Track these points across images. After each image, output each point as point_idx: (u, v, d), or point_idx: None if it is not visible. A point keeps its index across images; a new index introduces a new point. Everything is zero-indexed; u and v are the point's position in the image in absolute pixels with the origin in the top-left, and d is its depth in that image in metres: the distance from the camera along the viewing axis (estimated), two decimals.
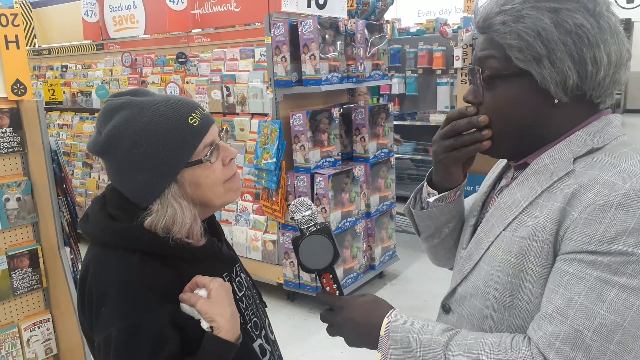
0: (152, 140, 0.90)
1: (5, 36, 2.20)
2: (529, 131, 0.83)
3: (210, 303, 0.89)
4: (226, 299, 0.92)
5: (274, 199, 3.48)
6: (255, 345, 1.03)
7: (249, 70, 3.78)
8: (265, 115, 3.59)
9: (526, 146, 0.85)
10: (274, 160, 3.38)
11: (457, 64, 5.39)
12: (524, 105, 0.82)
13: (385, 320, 0.86)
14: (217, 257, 1.02)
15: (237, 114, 3.80)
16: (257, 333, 1.04)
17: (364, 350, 0.93)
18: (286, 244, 3.52)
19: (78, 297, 0.94)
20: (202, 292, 0.90)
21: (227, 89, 3.80)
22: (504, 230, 0.82)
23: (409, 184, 5.14)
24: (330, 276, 0.97)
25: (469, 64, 0.87)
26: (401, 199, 4.78)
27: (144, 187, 0.92)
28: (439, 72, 5.85)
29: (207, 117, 0.97)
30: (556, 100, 0.79)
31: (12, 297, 2.30)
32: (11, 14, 2.20)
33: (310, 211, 0.98)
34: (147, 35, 4.40)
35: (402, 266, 4.21)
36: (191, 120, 0.92)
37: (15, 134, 2.30)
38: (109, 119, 0.92)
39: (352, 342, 0.93)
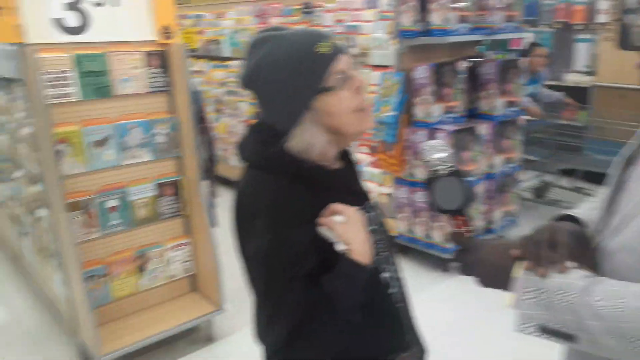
0: (286, 71, 0.97)
1: None
2: None
3: (346, 227, 0.96)
4: (360, 225, 0.98)
5: (391, 152, 3.48)
6: (384, 276, 1.08)
7: (372, 21, 3.73)
8: (387, 67, 3.55)
9: None
10: (394, 113, 3.36)
11: (601, 18, 4.82)
12: None
13: (521, 261, 0.85)
14: (351, 190, 1.09)
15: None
16: (386, 266, 1.10)
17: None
18: (401, 197, 3.54)
19: (234, 211, 1.04)
20: (339, 218, 0.97)
21: (350, 40, 3.79)
22: None
23: (538, 147, 4.81)
24: (464, 218, 0.98)
25: None
26: (527, 163, 4.54)
27: (283, 114, 1.00)
28: (578, 27, 5.30)
29: (337, 47, 1.00)
30: None
31: (159, 220, 2.61)
32: None
33: (444, 153, 0.99)
34: None
35: (523, 232, 4.01)
36: (320, 49, 0.97)
37: (164, 75, 2.53)
38: (251, 54, 1.01)
39: (485, 282, 0.93)
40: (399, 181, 3.54)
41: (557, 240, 0.85)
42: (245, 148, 1.06)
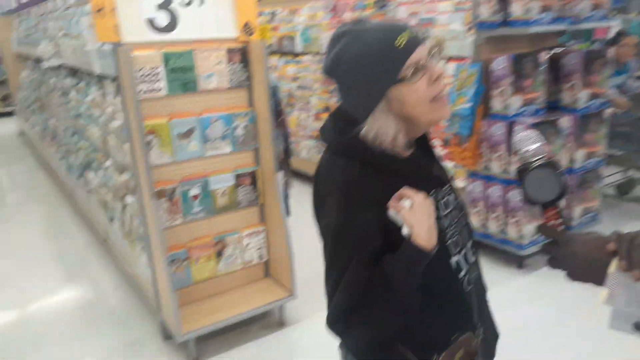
0: (363, 63, 1.01)
1: None
2: None
3: (412, 212, 0.99)
4: (427, 211, 1.00)
5: (465, 145, 3.40)
6: (453, 260, 1.10)
7: (448, 12, 3.65)
8: (463, 59, 3.47)
9: None
10: (469, 105, 3.28)
11: None
12: None
13: (616, 260, 0.83)
14: (424, 174, 1.11)
15: None
16: (456, 251, 1.11)
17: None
18: (474, 192, 3.46)
19: (313, 190, 1.13)
20: (406, 203, 1.00)
21: (426, 32, 3.74)
22: None
23: (623, 142, 4.52)
24: (557, 210, 0.96)
25: None
26: (611, 157, 4.27)
27: (359, 103, 1.05)
28: None
29: (415, 39, 1.01)
30: None
31: (237, 208, 2.73)
32: None
33: (539, 144, 0.97)
34: None
35: (604, 231, 3.79)
36: (397, 42, 0.99)
37: (245, 70, 2.63)
38: (334, 45, 1.05)
39: (575, 276, 0.92)
40: (473, 175, 3.47)
41: None
42: (324, 132, 1.13)
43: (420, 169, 1.11)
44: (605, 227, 3.80)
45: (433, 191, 1.10)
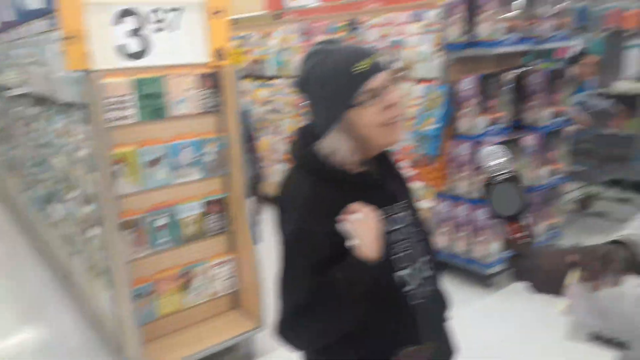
0: (325, 85, 1.10)
1: (213, 8, 2.47)
2: None
3: (358, 225, 1.06)
4: (372, 224, 1.07)
5: (433, 165, 3.45)
6: (399, 274, 1.15)
7: (418, 34, 3.73)
8: (431, 80, 3.54)
9: None
10: (437, 126, 3.34)
11: None
12: None
13: (575, 271, 0.86)
14: (377, 190, 1.17)
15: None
16: (406, 265, 1.16)
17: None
18: (442, 212, 3.50)
19: (276, 200, 1.20)
20: (356, 216, 1.07)
21: (395, 54, 3.81)
22: None
23: (584, 158, 4.66)
24: (520, 224, 0.99)
25: None
26: (573, 173, 4.38)
27: (320, 120, 1.14)
28: (629, 33, 5.10)
29: (375, 66, 1.09)
30: None
31: (205, 237, 2.68)
32: None
33: (503, 159, 1.01)
34: (320, 3, 4.59)
35: (567, 244, 3.89)
36: (357, 68, 1.07)
37: (215, 95, 2.61)
38: (305, 63, 1.14)
39: (538, 288, 0.95)
40: (441, 195, 3.51)
41: (611, 258, 0.85)
42: (292, 146, 1.21)
43: (373, 184, 1.17)
44: (569, 242, 3.89)
45: (386, 207, 1.16)
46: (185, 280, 2.66)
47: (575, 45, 5.29)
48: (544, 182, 3.54)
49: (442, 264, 1.32)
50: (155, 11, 2.36)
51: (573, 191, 4.67)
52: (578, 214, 4.59)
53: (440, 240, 3.52)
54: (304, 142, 1.17)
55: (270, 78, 5.23)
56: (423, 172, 3.56)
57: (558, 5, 3.42)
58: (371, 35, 4.08)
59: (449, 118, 3.33)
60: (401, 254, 1.16)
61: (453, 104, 3.33)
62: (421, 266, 1.20)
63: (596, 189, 4.67)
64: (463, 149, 3.30)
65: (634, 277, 0.82)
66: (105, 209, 2.39)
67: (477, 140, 3.24)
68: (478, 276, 3.43)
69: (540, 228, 3.59)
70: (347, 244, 1.07)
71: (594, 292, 0.82)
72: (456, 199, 3.40)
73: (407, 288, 1.15)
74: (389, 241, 1.13)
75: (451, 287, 3.34)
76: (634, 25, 5.05)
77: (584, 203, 4.66)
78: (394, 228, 1.16)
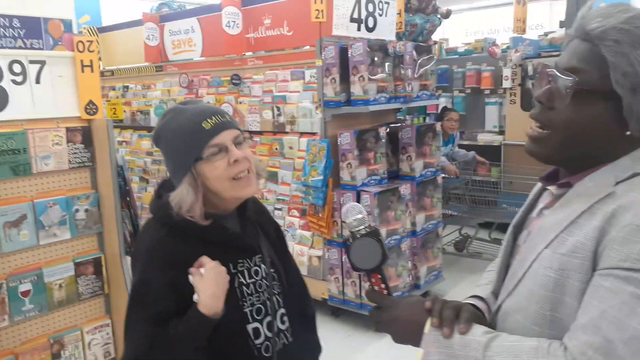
0: (175, 139, 1.18)
1: (82, 61, 2.40)
2: (590, 152, 0.86)
3: (200, 279, 1.09)
4: (214, 279, 1.10)
5: (320, 215, 3.55)
6: (250, 327, 1.17)
7: (299, 91, 3.91)
8: (314, 134, 3.70)
9: (578, 164, 0.88)
10: (321, 177, 3.47)
11: (506, 84, 5.36)
12: (600, 127, 0.83)
13: (430, 319, 0.91)
14: (232, 242, 1.20)
15: (287, 132, 3.93)
16: (258, 318, 1.18)
17: None
18: (331, 259, 3.58)
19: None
20: (202, 270, 1.10)
21: (278, 109, 3.94)
22: (545, 247, 0.85)
23: (456, 203, 5.12)
24: (380, 276, 1.03)
25: (549, 69, 0.87)
26: (447, 218, 4.78)
27: (172, 173, 1.20)
28: (487, 92, 5.82)
29: (222, 124, 1.17)
30: (628, 132, 0.82)
31: (77, 301, 2.47)
32: (87, 41, 2.40)
33: (361, 215, 1.06)
34: (203, 58, 4.63)
35: (448, 286, 4.17)
36: (204, 125, 1.15)
37: (87, 150, 2.49)
38: (160, 120, 1.25)
39: (398, 338, 0.98)
40: (329, 243, 3.61)
41: (463, 308, 0.92)
42: (152, 198, 1.24)
43: (226, 237, 1.19)
44: (449, 283, 4.18)
45: (240, 260, 1.19)
46: (55, 350, 2.39)
47: (441, 102, 5.91)
48: (422, 227, 3.79)
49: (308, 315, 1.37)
50: (12, 63, 2.23)
51: (449, 235, 5.05)
52: (455, 255, 4.95)
53: (332, 287, 3.58)
54: (159, 194, 1.21)
55: (153, 129, 5.10)
56: (311, 221, 3.64)
57: (422, 68, 3.80)
58: (255, 90, 4.19)
59: (332, 169, 3.48)
60: (253, 308, 1.18)
61: (335, 156, 3.49)
62: (275, 319, 1.22)
63: (470, 231, 5.09)
64: (346, 199, 3.45)
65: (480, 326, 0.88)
66: None
67: (359, 190, 3.41)
68: (370, 320, 3.51)
69: (422, 271, 3.80)
70: (194, 297, 1.08)
71: (446, 338, 0.86)
72: (343, 246, 3.50)
73: (259, 340, 1.17)
74: (239, 294, 1.16)
75: (345, 333, 3.48)
76: (490, 85, 5.77)
77: (459, 245, 5.04)
78: (248, 281, 1.18)
